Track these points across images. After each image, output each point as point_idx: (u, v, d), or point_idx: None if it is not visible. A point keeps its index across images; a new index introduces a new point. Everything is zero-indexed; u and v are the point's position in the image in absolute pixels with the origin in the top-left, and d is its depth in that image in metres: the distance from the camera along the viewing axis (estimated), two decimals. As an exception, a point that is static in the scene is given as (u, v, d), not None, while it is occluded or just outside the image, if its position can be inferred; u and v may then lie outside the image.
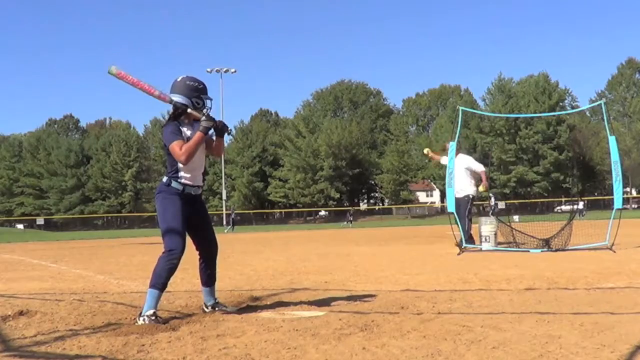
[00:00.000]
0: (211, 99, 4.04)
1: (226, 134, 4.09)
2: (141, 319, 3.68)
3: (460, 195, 10.05)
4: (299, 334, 3.33)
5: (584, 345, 2.89)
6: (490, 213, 11.10)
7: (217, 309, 4.13)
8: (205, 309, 4.15)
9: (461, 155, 10.48)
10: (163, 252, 3.80)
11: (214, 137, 4.05)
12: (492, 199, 35.43)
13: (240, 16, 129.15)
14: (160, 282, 3.75)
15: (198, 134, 3.83)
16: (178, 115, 3.93)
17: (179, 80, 4.01)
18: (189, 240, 3.94)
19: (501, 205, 44.30)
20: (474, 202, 10.60)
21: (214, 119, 3.91)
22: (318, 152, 69.50)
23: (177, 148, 3.79)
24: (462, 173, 10.12)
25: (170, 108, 3.99)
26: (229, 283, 5.94)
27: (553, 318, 3.58)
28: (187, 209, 3.90)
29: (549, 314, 3.72)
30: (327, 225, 48.92)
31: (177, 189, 3.88)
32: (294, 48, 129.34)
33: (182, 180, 3.89)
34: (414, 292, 4.95)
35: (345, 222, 43.57)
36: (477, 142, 63.62)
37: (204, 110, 3.94)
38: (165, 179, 3.94)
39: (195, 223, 4.00)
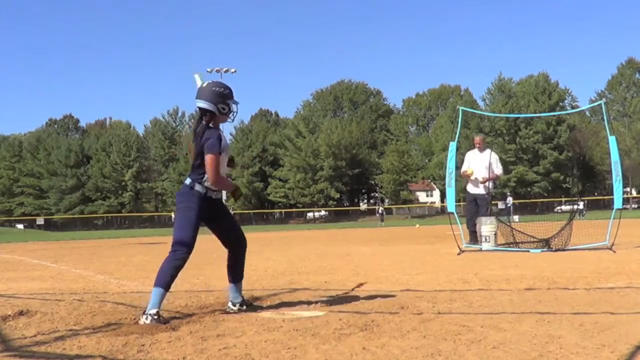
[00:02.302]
0: (237, 103, 4.06)
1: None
2: (144, 317, 3.67)
3: (482, 191, 10.02)
4: (299, 334, 3.32)
5: (584, 345, 2.89)
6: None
7: (244, 307, 4.13)
8: (233, 307, 4.11)
9: (492, 154, 10.34)
10: (170, 251, 3.86)
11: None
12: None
13: (240, 16, 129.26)
14: (165, 280, 3.78)
15: (231, 185, 4.04)
16: (208, 121, 3.96)
17: (204, 85, 4.01)
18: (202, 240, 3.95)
19: (501, 205, 44.20)
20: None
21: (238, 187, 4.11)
22: (318, 152, 69.49)
23: (214, 164, 3.81)
24: (484, 170, 10.08)
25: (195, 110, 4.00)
26: (229, 283, 5.93)
27: (553, 318, 3.58)
28: (205, 212, 3.95)
29: (549, 314, 3.72)
30: (327, 225, 48.90)
31: (200, 192, 3.93)
32: (294, 48, 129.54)
33: (206, 184, 3.93)
34: (414, 292, 4.95)
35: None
36: (477, 142, 63.52)
37: (230, 115, 4.02)
38: (188, 181, 3.96)
39: (218, 223, 4.11)
